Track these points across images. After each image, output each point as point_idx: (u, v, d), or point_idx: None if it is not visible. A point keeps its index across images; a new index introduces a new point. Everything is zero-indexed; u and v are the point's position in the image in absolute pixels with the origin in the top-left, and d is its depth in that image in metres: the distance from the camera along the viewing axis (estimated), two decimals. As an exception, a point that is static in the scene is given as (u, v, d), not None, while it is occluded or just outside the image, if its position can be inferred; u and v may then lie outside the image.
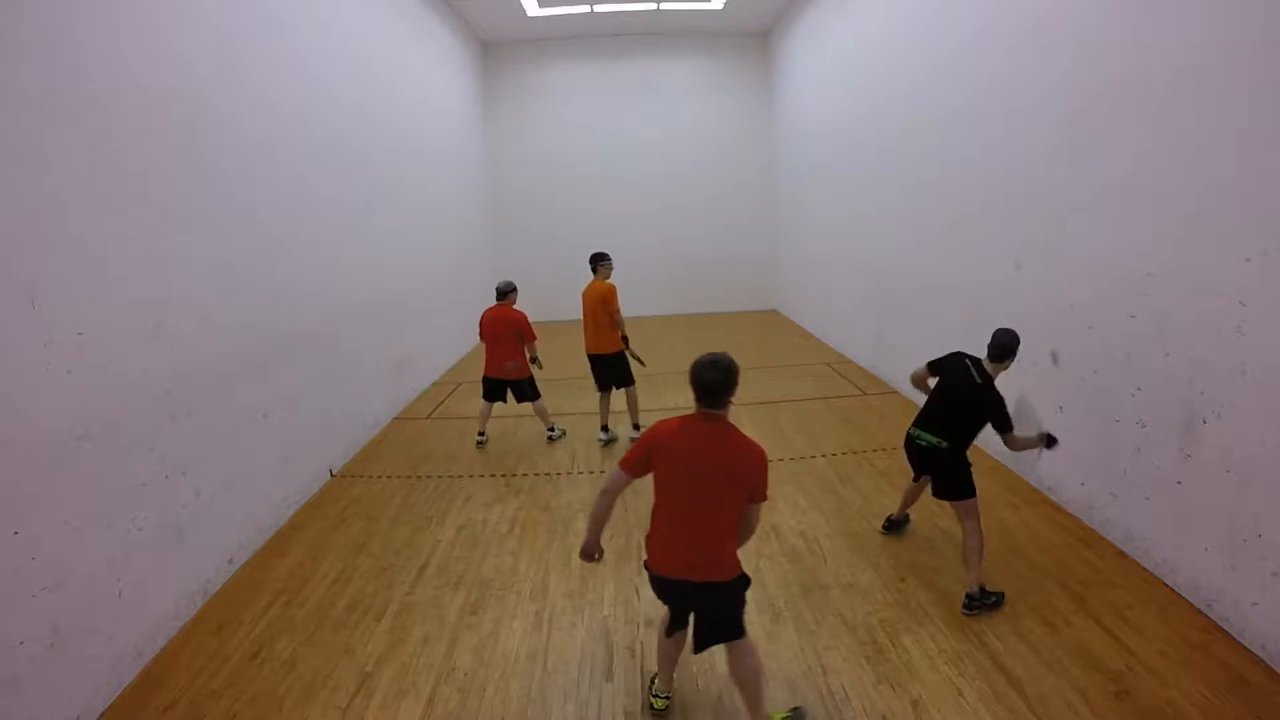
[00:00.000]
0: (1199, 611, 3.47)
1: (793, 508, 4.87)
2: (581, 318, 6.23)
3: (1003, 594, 3.65)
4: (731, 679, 2.85)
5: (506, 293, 6.28)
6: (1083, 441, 4.42)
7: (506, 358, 6.19)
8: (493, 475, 5.75)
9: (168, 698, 3.19)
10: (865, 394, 7.65)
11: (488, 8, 10.94)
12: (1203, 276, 3.43)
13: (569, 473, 5.75)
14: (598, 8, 11.15)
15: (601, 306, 6.04)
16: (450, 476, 5.72)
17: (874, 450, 5.89)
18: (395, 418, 7.48)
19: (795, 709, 2.93)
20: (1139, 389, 3.88)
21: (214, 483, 4.15)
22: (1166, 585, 3.71)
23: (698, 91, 13.23)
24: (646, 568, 2.74)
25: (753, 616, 3.64)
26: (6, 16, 2.89)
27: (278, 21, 5.33)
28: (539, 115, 13.13)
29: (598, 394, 6.43)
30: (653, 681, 3.07)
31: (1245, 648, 3.19)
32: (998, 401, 3.67)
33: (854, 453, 5.87)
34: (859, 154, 8.69)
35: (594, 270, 6.16)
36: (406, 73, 8.68)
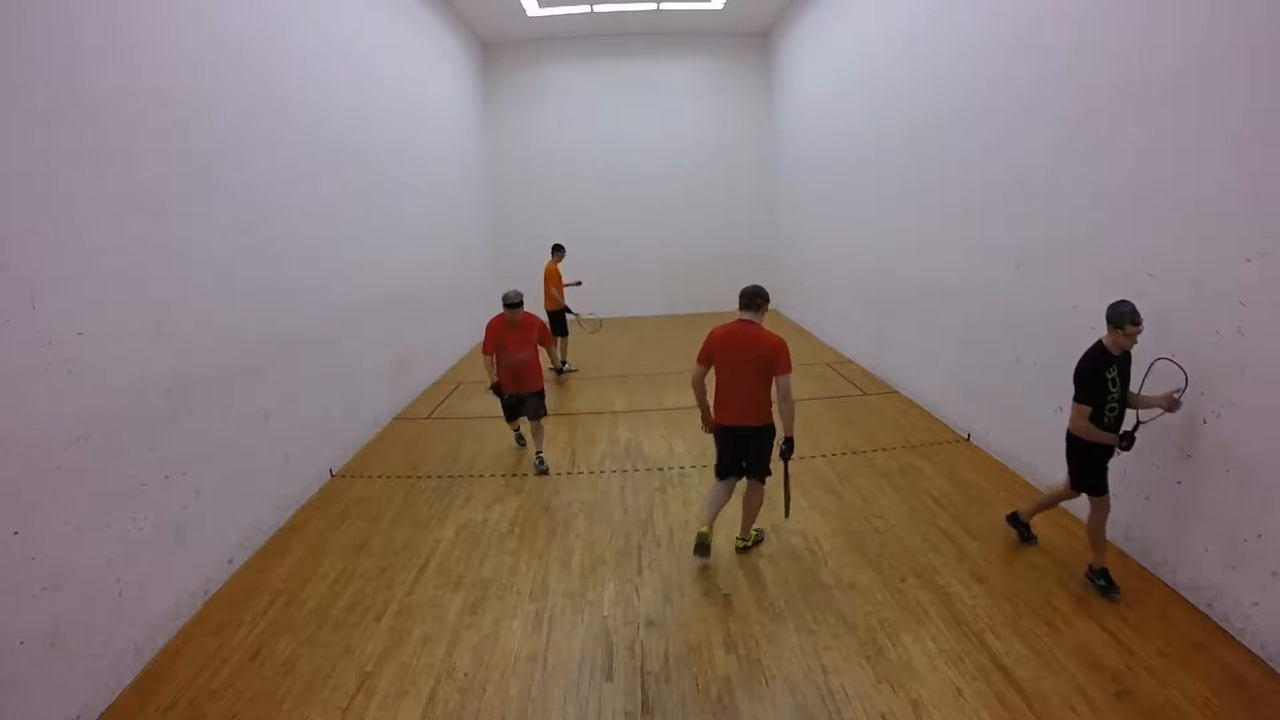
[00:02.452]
0: (1199, 611, 3.47)
1: (793, 507, 4.86)
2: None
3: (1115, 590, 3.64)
4: (742, 504, 4.23)
5: (514, 305, 5.65)
6: (1083, 441, 4.42)
7: (530, 368, 5.78)
8: (493, 475, 5.75)
9: (168, 698, 3.19)
10: (865, 394, 7.65)
11: (488, 8, 10.94)
12: (1203, 277, 3.43)
13: (569, 473, 5.75)
14: (598, 8, 11.15)
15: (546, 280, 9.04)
16: (450, 476, 5.71)
17: (874, 450, 5.89)
18: (395, 418, 7.48)
19: (759, 530, 4.40)
20: (1139, 389, 3.88)
21: (214, 483, 4.15)
22: (1166, 585, 3.71)
23: (698, 91, 13.23)
24: (714, 424, 4.12)
25: (753, 616, 3.64)
26: (6, 16, 2.89)
27: (278, 22, 5.32)
28: (539, 115, 13.13)
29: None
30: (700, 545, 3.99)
31: (1245, 648, 3.19)
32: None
33: (854, 453, 5.87)
34: (859, 154, 8.69)
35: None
36: (407, 73, 8.68)
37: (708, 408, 4.16)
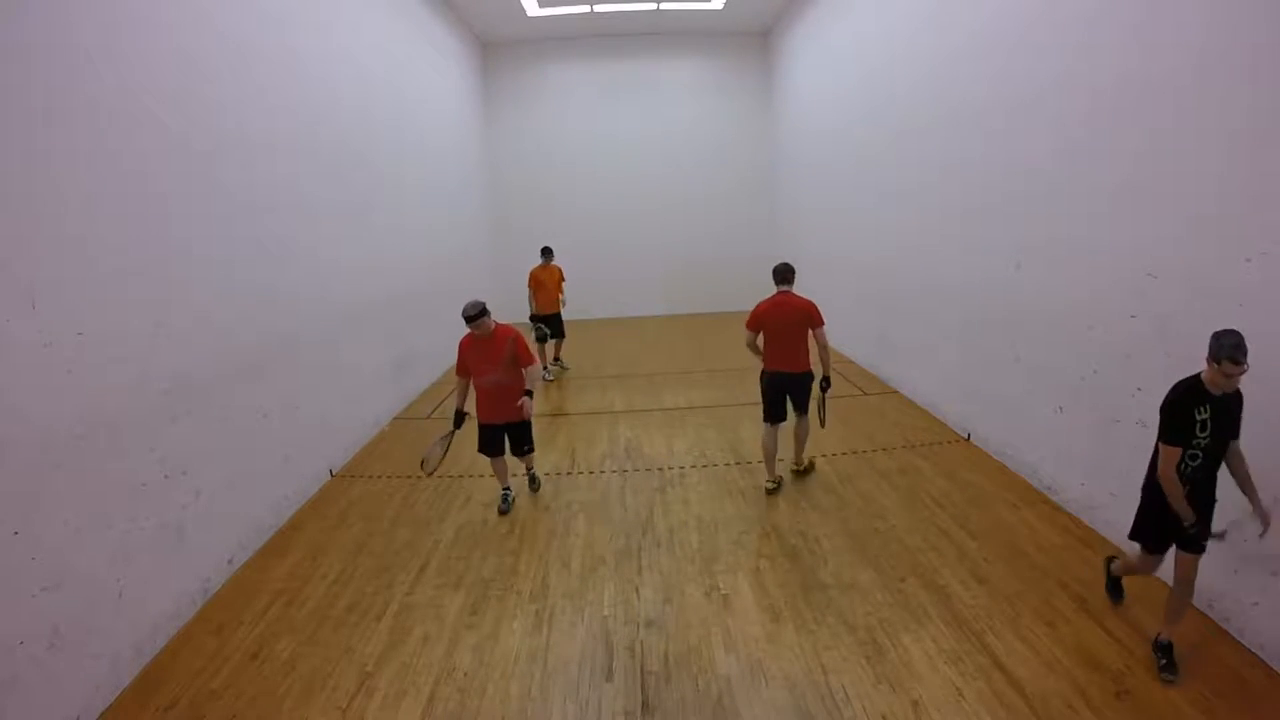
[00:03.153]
0: (1199, 611, 3.46)
1: (793, 508, 4.88)
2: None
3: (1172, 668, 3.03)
4: (794, 435, 5.30)
5: (472, 317, 4.63)
6: (1083, 441, 4.42)
7: (510, 393, 4.80)
8: (493, 475, 5.74)
9: (168, 698, 3.19)
10: (865, 394, 7.65)
11: (488, 8, 10.94)
12: (1203, 276, 3.43)
13: (569, 473, 5.75)
14: (598, 8, 11.15)
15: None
16: (450, 476, 5.71)
17: (874, 450, 5.89)
18: (395, 418, 7.48)
19: (811, 459, 5.52)
20: (1139, 389, 3.88)
21: (214, 483, 4.14)
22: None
23: (698, 91, 13.23)
24: (763, 373, 5.13)
25: (753, 616, 3.64)
26: (6, 16, 2.89)
27: (278, 22, 5.32)
28: (539, 115, 13.13)
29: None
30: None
31: (1245, 648, 3.19)
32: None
33: (854, 453, 5.87)
34: (859, 154, 8.69)
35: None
36: (407, 73, 8.68)
37: (760, 355, 5.21)
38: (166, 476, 3.74)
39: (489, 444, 4.97)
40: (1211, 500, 3.03)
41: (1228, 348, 2.72)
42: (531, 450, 5.19)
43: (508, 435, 4.98)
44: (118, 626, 3.28)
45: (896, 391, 7.55)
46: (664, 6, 11.28)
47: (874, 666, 3.20)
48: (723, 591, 3.90)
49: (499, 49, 12.87)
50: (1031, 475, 5.06)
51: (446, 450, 4.92)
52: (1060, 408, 4.66)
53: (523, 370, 4.82)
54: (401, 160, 8.32)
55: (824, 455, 5.83)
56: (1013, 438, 5.32)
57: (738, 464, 5.73)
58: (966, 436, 6.01)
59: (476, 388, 4.84)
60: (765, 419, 5.14)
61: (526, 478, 5.38)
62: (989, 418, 5.67)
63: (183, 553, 3.82)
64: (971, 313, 5.88)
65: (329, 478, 5.80)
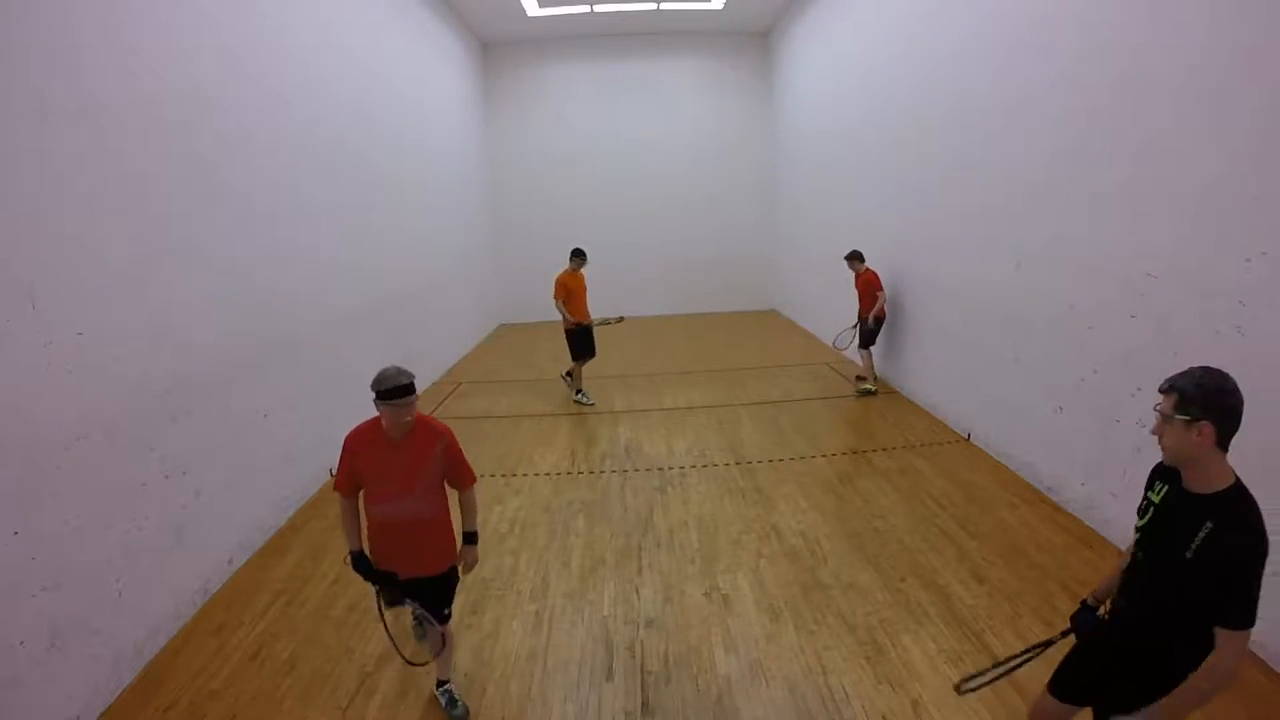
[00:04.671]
0: (1199, 611, 3.46)
1: (793, 508, 4.88)
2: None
3: None
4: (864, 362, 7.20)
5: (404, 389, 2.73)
6: (1083, 441, 4.42)
7: (430, 540, 2.96)
8: (493, 475, 5.75)
9: (168, 698, 3.19)
10: (855, 396, 7.64)
11: (488, 8, 10.94)
12: (1203, 276, 3.43)
13: (569, 473, 5.75)
14: (598, 8, 11.15)
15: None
16: (450, 476, 5.70)
17: (874, 450, 5.89)
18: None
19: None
20: (1139, 389, 3.88)
21: (214, 483, 4.15)
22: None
23: (698, 91, 13.23)
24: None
25: (752, 616, 3.64)
26: (6, 16, 2.89)
27: (278, 22, 5.32)
28: (539, 115, 13.12)
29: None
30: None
31: (1245, 648, 3.19)
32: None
33: (854, 453, 5.87)
34: (859, 154, 8.69)
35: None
36: (406, 73, 8.67)
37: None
38: (166, 476, 3.74)
39: (396, 598, 2.94)
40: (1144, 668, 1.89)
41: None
42: (448, 618, 3.00)
43: (419, 590, 2.92)
44: (118, 626, 3.28)
45: (897, 391, 7.55)
46: (664, 6, 11.28)
47: (874, 666, 3.21)
48: (723, 591, 3.90)
49: (499, 49, 12.87)
50: (1031, 475, 5.06)
51: (423, 627, 3.03)
52: (1060, 408, 4.66)
53: (461, 495, 3.05)
54: (401, 160, 8.32)
55: (824, 455, 5.83)
56: (1013, 438, 5.32)
57: (738, 464, 5.73)
58: (966, 436, 6.01)
59: (369, 518, 2.87)
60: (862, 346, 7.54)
61: (437, 691, 3.09)
62: (989, 418, 5.67)
63: (183, 553, 3.82)
64: (971, 313, 5.88)
65: (329, 478, 5.79)
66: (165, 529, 3.70)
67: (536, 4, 10.81)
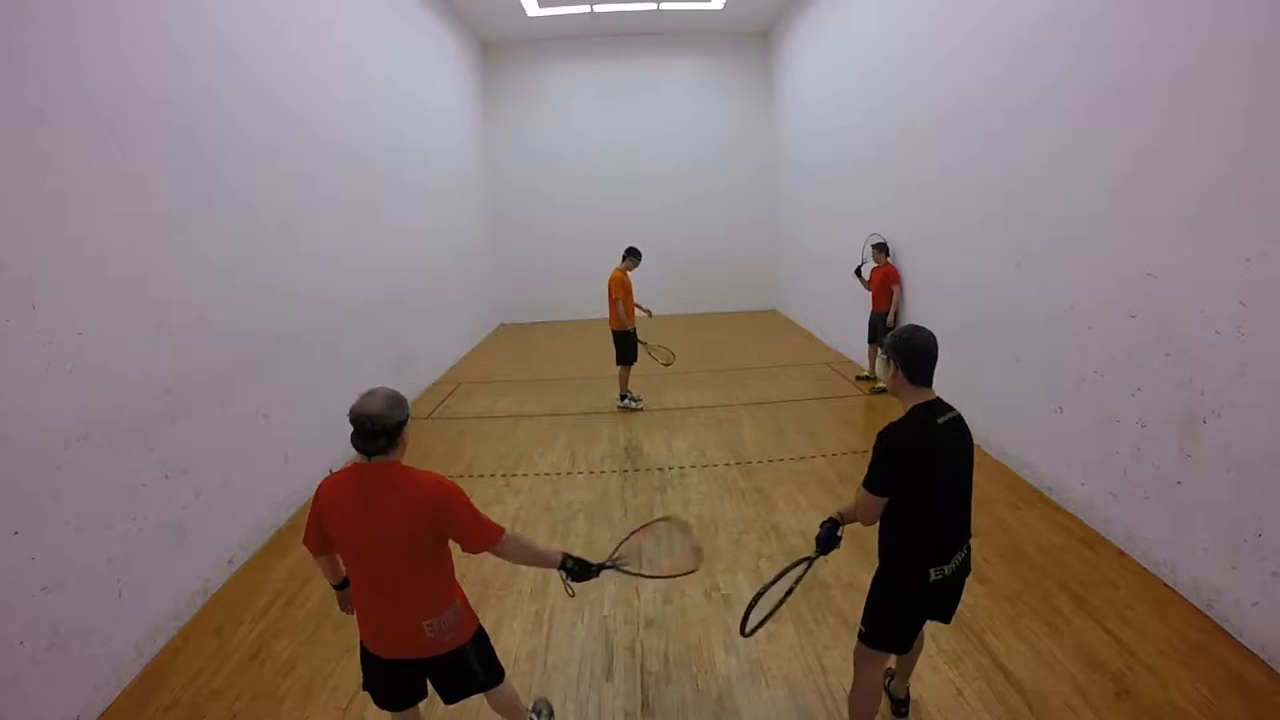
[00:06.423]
0: (1199, 611, 3.47)
1: (793, 508, 4.88)
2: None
3: None
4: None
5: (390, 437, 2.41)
6: (1083, 441, 4.42)
7: (421, 608, 2.40)
8: (493, 475, 5.75)
9: (168, 698, 3.19)
10: (865, 394, 7.65)
11: (488, 8, 10.94)
12: (1203, 276, 3.43)
13: (569, 473, 5.75)
14: (598, 8, 11.15)
15: (608, 289, 7.43)
16: (450, 476, 5.70)
17: (874, 450, 5.89)
18: (395, 418, 7.46)
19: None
20: (1139, 389, 3.88)
21: (214, 483, 4.14)
22: (1166, 585, 3.71)
23: (698, 91, 13.23)
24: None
25: (752, 615, 3.63)
26: (6, 17, 2.89)
27: (278, 22, 5.32)
28: (539, 115, 13.12)
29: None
30: None
31: (1245, 648, 3.19)
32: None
33: (854, 453, 5.87)
34: (859, 154, 8.69)
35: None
36: (406, 73, 8.67)
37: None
38: (166, 476, 3.74)
39: (386, 691, 2.50)
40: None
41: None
42: (497, 682, 2.53)
43: (429, 677, 2.48)
44: (118, 626, 3.28)
45: (896, 391, 7.55)
46: (664, 6, 11.28)
47: (874, 666, 3.20)
48: (723, 591, 3.90)
49: (499, 49, 12.87)
50: (1031, 475, 5.06)
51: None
52: (1060, 408, 4.66)
53: (495, 553, 2.49)
54: (401, 160, 8.32)
55: (824, 455, 5.83)
56: (1013, 438, 5.32)
57: (738, 464, 5.73)
58: (966, 436, 6.01)
59: (354, 592, 2.48)
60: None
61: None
62: (989, 418, 5.67)
63: (183, 553, 3.82)
64: (971, 313, 5.88)
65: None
66: (165, 529, 3.70)
67: (536, 4, 10.81)
